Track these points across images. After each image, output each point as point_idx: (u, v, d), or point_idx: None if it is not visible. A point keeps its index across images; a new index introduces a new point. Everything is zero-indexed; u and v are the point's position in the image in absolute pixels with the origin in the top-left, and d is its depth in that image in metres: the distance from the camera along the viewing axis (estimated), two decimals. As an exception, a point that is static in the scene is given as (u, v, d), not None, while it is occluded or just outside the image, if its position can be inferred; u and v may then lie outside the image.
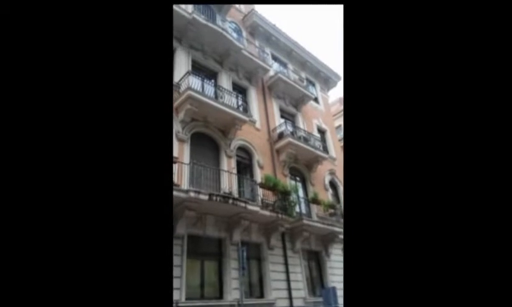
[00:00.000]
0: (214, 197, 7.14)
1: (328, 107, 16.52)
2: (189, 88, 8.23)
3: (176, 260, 6.57)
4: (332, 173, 13.38)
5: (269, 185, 9.13)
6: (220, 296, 7.19)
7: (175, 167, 7.19)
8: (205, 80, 9.86)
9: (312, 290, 9.51)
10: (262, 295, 8.06)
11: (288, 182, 10.71)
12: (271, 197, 9.05)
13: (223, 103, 8.99)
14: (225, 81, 10.73)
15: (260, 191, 8.93)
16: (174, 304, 6.12)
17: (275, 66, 13.82)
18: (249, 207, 7.76)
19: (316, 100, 15.45)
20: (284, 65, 14.66)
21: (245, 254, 7.01)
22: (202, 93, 8.85)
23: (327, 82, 16.98)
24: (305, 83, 14.71)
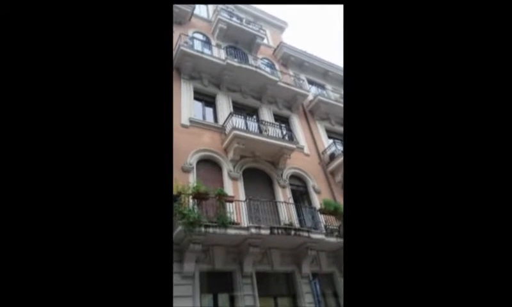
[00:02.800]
0: (276, 230, 6.95)
1: None
2: (234, 128, 8.52)
3: (248, 300, 6.37)
4: None
5: (330, 209, 8.66)
6: (299, 335, 6.68)
7: (233, 206, 7.25)
8: (248, 118, 10.16)
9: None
10: None
11: (350, 203, 10.05)
12: (334, 223, 8.53)
13: (267, 136, 9.09)
14: (266, 114, 10.94)
15: (321, 217, 8.50)
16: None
17: (313, 90, 13.80)
18: (313, 236, 7.38)
19: (362, 113, 14.85)
20: (322, 87, 14.58)
21: (318, 286, 6.53)
22: (246, 130, 9.08)
23: (369, 93, 16.34)
24: (347, 99, 14.31)
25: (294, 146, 9.54)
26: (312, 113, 12.54)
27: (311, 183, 9.84)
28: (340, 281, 7.96)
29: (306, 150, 10.82)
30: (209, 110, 9.89)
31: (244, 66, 10.55)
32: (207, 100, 9.98)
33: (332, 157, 10.79)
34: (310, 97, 12.74)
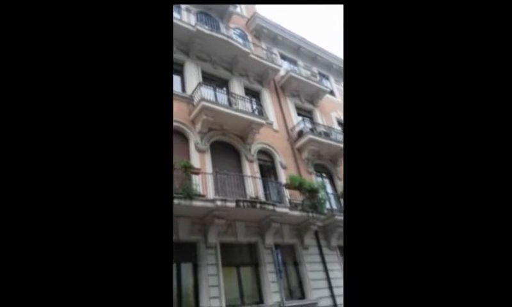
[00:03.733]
0: (241, 204, 7.03)
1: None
2: (203, 99, 8.26)
3: (211, 270, 6.49)
4: None
5: (295, 185, 8.91)
6: (260, 300, 7.01)
7: (199, 178, 7.17)
8: (217, 89, 9.89)
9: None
10: (303, 296, 7.77)
11: (315, 180, 10.42)
12: (298, 197, 8.81)
13: (237, 109, 8.95)
14: (237, 87, 10.72)
15: (286, 192, 8.73)
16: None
17: (285, 65, 13.69)
18: (278, 209, 7.59)
19: (332, 92, 15.12)
20: (294, 63, 14.50)
21: (279, 256, 6.81)
22: (216, 102, 8.86)
23: (341, 73, 16.59)
24: (318, 77, 14.44)
25: (264, 122, 9.52)
26: (282, 89, 12.51)
27: (278, 158, 9.99)
28: (300, 251, 8.36)
29: (275, 126, 10.86)
30: (176, 79, 9.45)
31: (215, 34, 10.11)
32: (175, 67, 9.49)
33: (300, 134, 10.97)
34: (282, 72, 12.64)
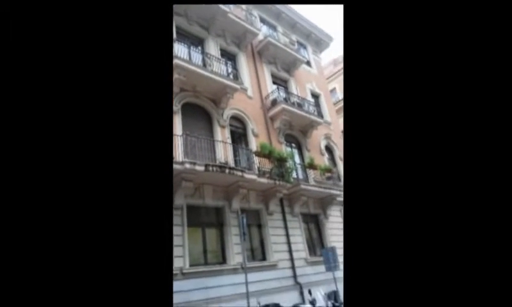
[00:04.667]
0: (210, 168, 7.07)
1: (321, 70, 16.12)
2: (176, 56, 7.87)
3: (177, 230, 6.62)
4: (328, 137, 13.25)
5: (265, 153, 9.07)
6: (223, 261, 7.36)
7: (168, 139, 7.02)
8: (192, 48, 9.43)
9: (313, 251, 9.78)
10: (264, 258, 8.26)
11: (284, 149, 10.65)
12: (267, 165, 9.02)
13: (212, 71, 8.66)
14: (213, 48, 10.29)
15: (256, 159, 8.88)
16: (178, 271, 6.24)
17: (264, 30, 13.26)
18: (246, 176, 7.74)
19: (308, 63, 15.04)
20: (273, 28, 14.09)
21: (245, 220, 7.07)
22: (189, 61, 8.48)
23: (319, 44, 16.46)
24: (296, 46, 14.23)
25: (238, 87, 9.36)
26: (260, 55, 12.22)
27: (250, 126, 10.00)
28: (264, 216, 8.74)
29: (249, 92, 10.73)
30: (149, 32, 8.82)
31: (192, -13, 9.43)
32: (147, 19, 8.82)
33: (274, 102, 10.96)
34: (260, 37, 12.27)
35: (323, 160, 12.18)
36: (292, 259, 8.71)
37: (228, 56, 11.00)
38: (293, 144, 11.64)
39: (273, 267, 8.17)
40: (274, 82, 12.31)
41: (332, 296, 8.53)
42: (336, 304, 7.87)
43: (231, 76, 9.59)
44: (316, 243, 10.18)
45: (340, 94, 22.80)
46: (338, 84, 24.27)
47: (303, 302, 8.01)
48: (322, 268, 8.68)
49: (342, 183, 11.86)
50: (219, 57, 10.06)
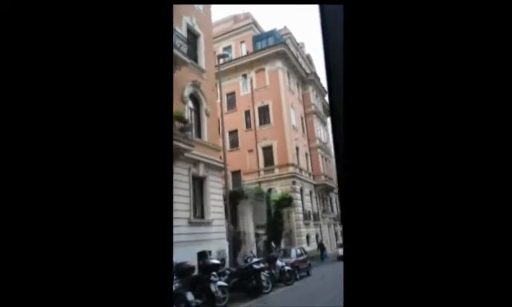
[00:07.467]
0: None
1: (208, 12, 14.21)
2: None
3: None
4: (196, 85, 11.72)
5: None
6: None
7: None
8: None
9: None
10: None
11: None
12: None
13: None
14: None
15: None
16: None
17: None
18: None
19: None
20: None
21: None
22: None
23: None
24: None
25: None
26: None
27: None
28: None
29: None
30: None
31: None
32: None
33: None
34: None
35: (184, 109, 10.75)
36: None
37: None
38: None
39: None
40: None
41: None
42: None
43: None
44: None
45: (234, 55, 22.19)
46: (235, 43, 23.90)
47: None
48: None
49: (199, 140, 11.59)
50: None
